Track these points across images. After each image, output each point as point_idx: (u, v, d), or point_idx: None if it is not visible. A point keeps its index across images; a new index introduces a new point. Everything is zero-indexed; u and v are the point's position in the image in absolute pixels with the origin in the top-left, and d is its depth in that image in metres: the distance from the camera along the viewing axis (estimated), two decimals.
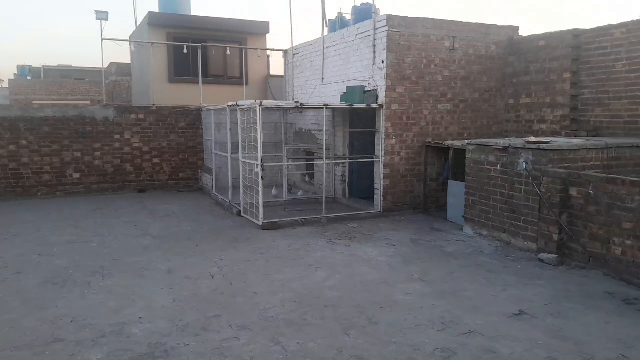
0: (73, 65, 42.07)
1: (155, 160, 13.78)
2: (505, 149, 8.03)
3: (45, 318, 5.28)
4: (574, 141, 8.06)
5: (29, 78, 38.75)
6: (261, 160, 9.30)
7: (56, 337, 4.84)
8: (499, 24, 10.97)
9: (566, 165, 7.43)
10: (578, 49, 9.59)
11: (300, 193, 12.39)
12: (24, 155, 12.48)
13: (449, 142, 10.05)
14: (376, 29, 10.01)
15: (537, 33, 10.41)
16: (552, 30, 10.12)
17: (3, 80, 48.16)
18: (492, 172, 8.33)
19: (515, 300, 5.74)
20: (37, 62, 56.18)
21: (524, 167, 7.62)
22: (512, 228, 7.96)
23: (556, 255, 7.05)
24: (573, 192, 6.98)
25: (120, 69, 24.54)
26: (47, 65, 41.34)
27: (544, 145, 7.41)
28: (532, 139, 8.11)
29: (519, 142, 8.12)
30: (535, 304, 5.63)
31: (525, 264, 7.10)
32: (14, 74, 41.42)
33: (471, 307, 5.55)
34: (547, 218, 7.23)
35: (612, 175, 6.76)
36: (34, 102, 29.28)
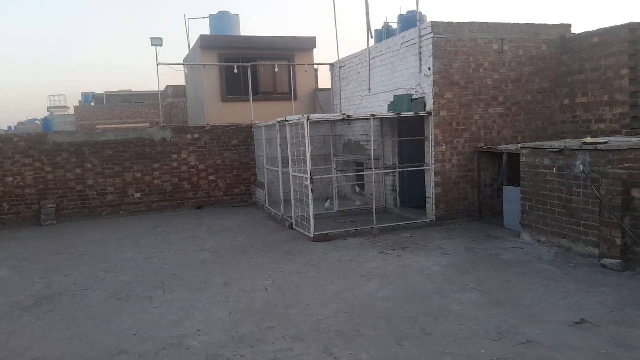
0: (133, 90, 44.27)
1: (211, 178, 14.24)
2: (560, 152, 7.76)
3: (110, 331, 5.57)
4: (634, 140, 7.68)
5: (92, 104, 41.02)
6: (310, 173, 9.43)
7: (121, 350, 5.09)
8: (550, 22, 10.66)
9: (627, 165, 7.09)
10: (635, 44, 9.16)
11: (357, 203, 12.35)
12: (89, 178, 13.21)
13: (502, 147, 9.81)
14: (421, 36, 9.98)
15: (591, 30, 10.04)
16: (607, 25, 9.74)
17: (69, 108, 51.32)
18: (548, 176, 8.06)
19: (576, 308, 5.52)
20: (99, 89, 59.40)
21: (581, 169, 7.34)
22: (572, 233, 7.65)
23: (620, 260, 6.71)
24: (635, 193, 6.64)
25: (176, 91, 25.60)
26: (108, 91, 43.67)
27: (602, 145, 7.11)
28: (589, 139, 7.79)
29: (574, 143, 7.82)
30: (598, 312, 5.39)
31: (587, 271, 6.80)
32: (79, 101, 44.05)
33: (529, 316, 5.39)
34: (609, 221, 6.92)
35: None
36: (97, 126, 30.93)
